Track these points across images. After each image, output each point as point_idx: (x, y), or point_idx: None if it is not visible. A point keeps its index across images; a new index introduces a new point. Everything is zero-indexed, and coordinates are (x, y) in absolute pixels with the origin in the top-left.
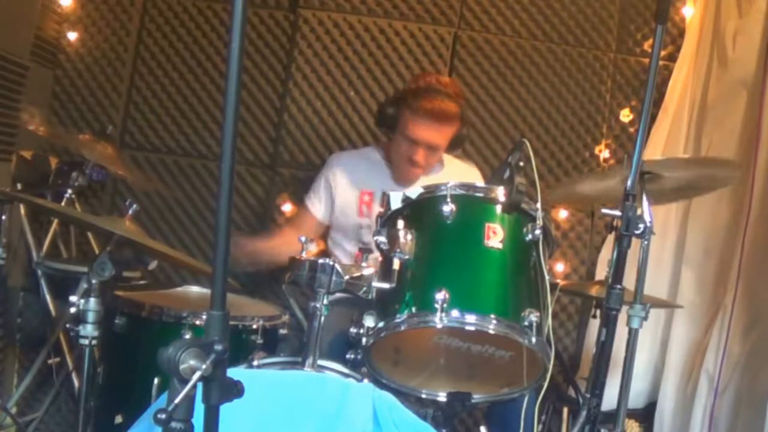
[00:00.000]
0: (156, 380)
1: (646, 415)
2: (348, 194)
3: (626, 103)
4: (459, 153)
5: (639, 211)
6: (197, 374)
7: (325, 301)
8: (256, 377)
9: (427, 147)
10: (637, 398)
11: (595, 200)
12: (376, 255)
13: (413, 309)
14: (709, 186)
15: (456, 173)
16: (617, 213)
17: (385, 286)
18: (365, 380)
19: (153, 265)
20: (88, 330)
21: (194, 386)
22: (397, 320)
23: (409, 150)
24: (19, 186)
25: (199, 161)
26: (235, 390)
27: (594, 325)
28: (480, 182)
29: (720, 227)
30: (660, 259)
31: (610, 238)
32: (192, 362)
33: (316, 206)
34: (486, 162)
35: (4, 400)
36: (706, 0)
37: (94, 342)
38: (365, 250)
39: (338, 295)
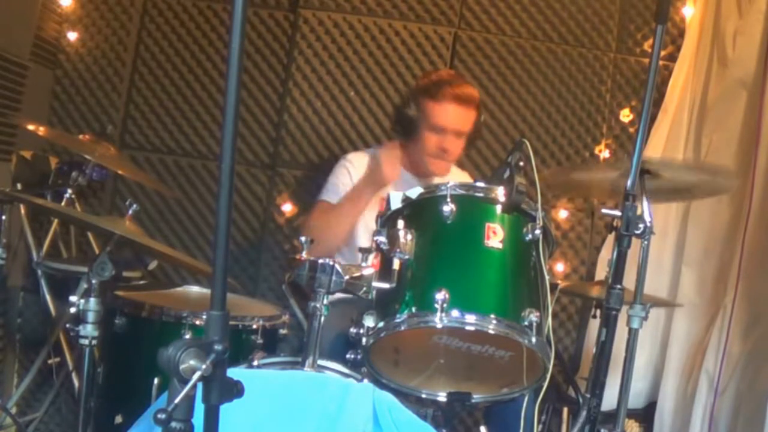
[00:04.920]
0: (156, 380)
1: (646, 415)
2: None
3: (626, 103)
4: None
5: (639, 211)
6: (197, 374)
7: (325, 301)
8: (256, 377)
9: (455, 133)
10: (637, 398)
11: (590, 190)
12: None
13: (413, 309)
14: (707, 192)
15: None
16: (617, 213)
17: (385, 286)
18: (365, 380)
19: (153, 265)
20: (88, 330)
21: (194, 386)
22: (397, 320)
23: (439, 140)
24: (19, 186)
25: (199, 161)
26: (235, 390)
27: (594, 325)
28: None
29: (720, 227)
30: (660, 259)
31: (610, 238)
32: (192, 362)
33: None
34: (486, 162)
35: (4, 400)
36: (706, 0)
37: (94, 342)
38: (364, 250)
39: (338, 295)
